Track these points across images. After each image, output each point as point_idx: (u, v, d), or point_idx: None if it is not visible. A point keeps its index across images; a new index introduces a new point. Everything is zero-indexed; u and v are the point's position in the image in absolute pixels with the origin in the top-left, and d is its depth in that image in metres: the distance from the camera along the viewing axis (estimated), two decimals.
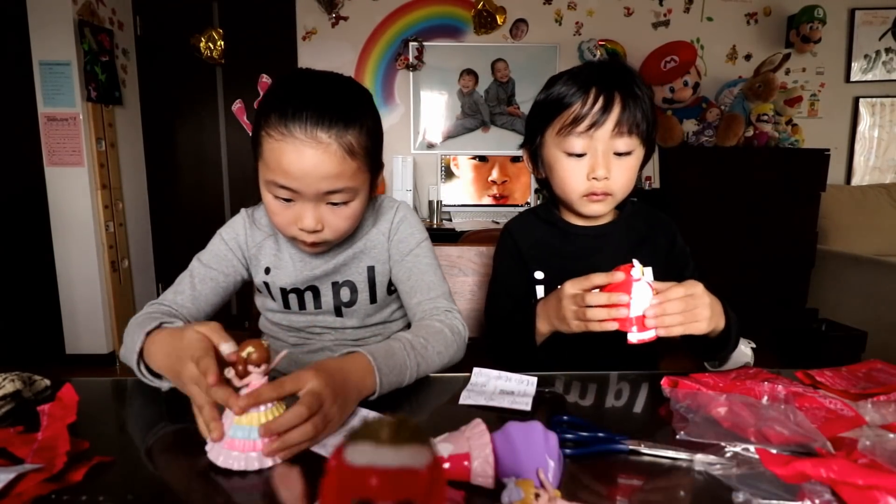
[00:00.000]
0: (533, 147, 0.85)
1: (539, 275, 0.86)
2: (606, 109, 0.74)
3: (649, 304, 0.61)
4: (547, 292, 0.86)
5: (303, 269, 0.82)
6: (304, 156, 0.65)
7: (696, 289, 0.63)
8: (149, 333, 0.62)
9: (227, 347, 0.51)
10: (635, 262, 0.62)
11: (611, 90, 0.74)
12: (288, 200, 0.70)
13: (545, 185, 0.89)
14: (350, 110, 0.69)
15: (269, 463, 0.47)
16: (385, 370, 0.61)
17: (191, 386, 0.51)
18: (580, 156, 0.77)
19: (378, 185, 0.81)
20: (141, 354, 0.62)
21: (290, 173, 0.67)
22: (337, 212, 0.72)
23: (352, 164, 0.69)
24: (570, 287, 0.67)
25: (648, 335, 0.61)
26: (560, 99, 0.77)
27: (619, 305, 0.61)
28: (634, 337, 0.61)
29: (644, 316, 0.61)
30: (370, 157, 0.73)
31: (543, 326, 0.75)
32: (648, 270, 0.63)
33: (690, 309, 0.62)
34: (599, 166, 0.76)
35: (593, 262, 0.77)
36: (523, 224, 0.92)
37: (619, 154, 0.77)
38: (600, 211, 0.82)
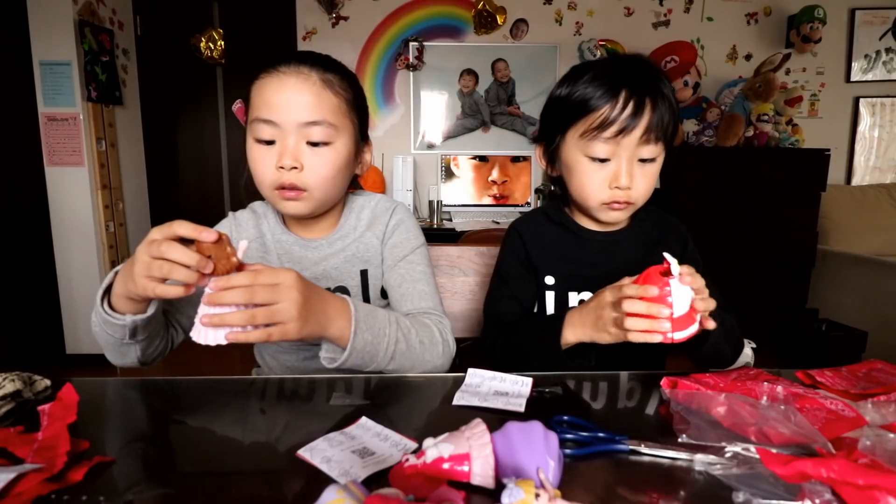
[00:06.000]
0: (551, 146, 0.81)
1: (549, 280, 0.83)
2: (636, 116, 0.70)
3: (689, 300, 0.58)
4: (557, 298, 0.83)
5: None
6: (285, 84, 0.71)
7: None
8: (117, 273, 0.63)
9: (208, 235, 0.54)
10: (668, 257, 0.59)
11: (642, 95, 0.70)
12: (269, 143, 0.72)
13: (558, 184, 0.85)
14: (333, 62, 0.76)
15: (212, 337, 0.53)
16: (362, 325, 0.63)
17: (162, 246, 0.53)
18: (603, 161, 0.73)
19: (364, 160, 0.83)
20: (107, 292, 0.64)
21: (272, 102, 0.71)
22: (317, 152, 0.73)
23: (331, 98, 0.73)
24: (610, 294, 0.64)
25: (691, 330, 0.58)
26: (587, 100, 0.72)
27: (660, 318, 0.58)
28: (679, 335, 0.58)
29: (683, 315, 0.58)
30: (353, 108, 0.77)
31: (572, 335, 0.70)
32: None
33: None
34: (623, 175, 0.72)
35: (606, 269, 0.75)
36: (532, 225, 0.87)
37: (643, 161, 0.73)
38: (619, 218, 0.79)
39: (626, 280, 0.63)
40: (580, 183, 0.77)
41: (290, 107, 0.70)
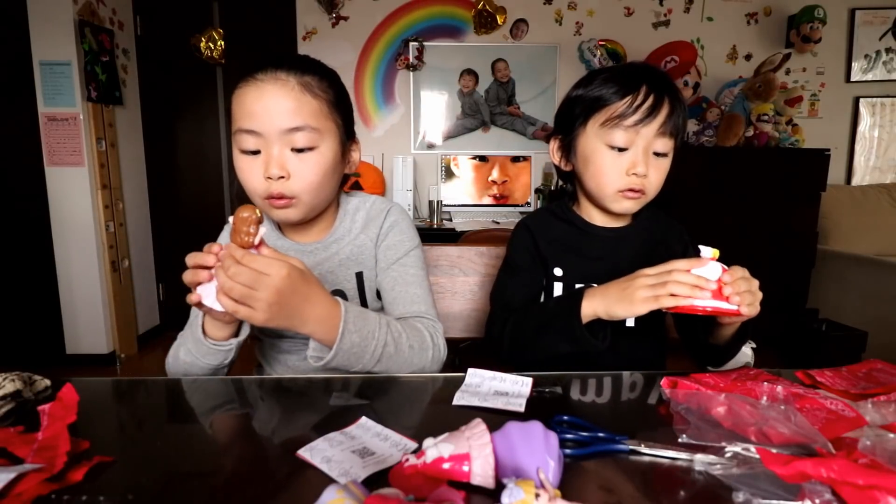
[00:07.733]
0: (567, 138, 0.84)
1: (558, 271, 0.85)
2: (655, 108, 0.75)
3: (717, 275, 0.61)
4: (566, 289, 0.84)
5: None
6: (264, 92, 0.70)
7: (746, 272, 0.63)
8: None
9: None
10: (702, 247, 0.64)
11: (661, 91, 0.76)
12: (255, 153, 0.71)
13: (569, 179, 0.88)
14: (311, 63, 0.75)
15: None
16: (350, 327, 0.64)
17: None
18: (621, 150, 0.77)
19: (352, 159, 0.82)
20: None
21: (252, 112, 0.70)
22: (302, 159, 0.72)
23: (311, 101, 0.72)
24: (651, 270, 0.67)
25: (724, 305, 0.60)
26: (610, 92, 0.77)
27: (704, 289, 0.61)
28: (710, 305, 0.60)
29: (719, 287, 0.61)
30: (335, 109, 0.75)
31: (588, 307, 0.70)
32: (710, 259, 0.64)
33: (753, 290, 0.62)
34: (640, 163, 0.76)
35: (611, 263, 0.80)
36: (540, 221, 0.90)
37: (657, 154, 0.78)
38: (631, 209, 0.81)
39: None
40: (597, 171, 0.80)
41: (270, 115, 0.69)
